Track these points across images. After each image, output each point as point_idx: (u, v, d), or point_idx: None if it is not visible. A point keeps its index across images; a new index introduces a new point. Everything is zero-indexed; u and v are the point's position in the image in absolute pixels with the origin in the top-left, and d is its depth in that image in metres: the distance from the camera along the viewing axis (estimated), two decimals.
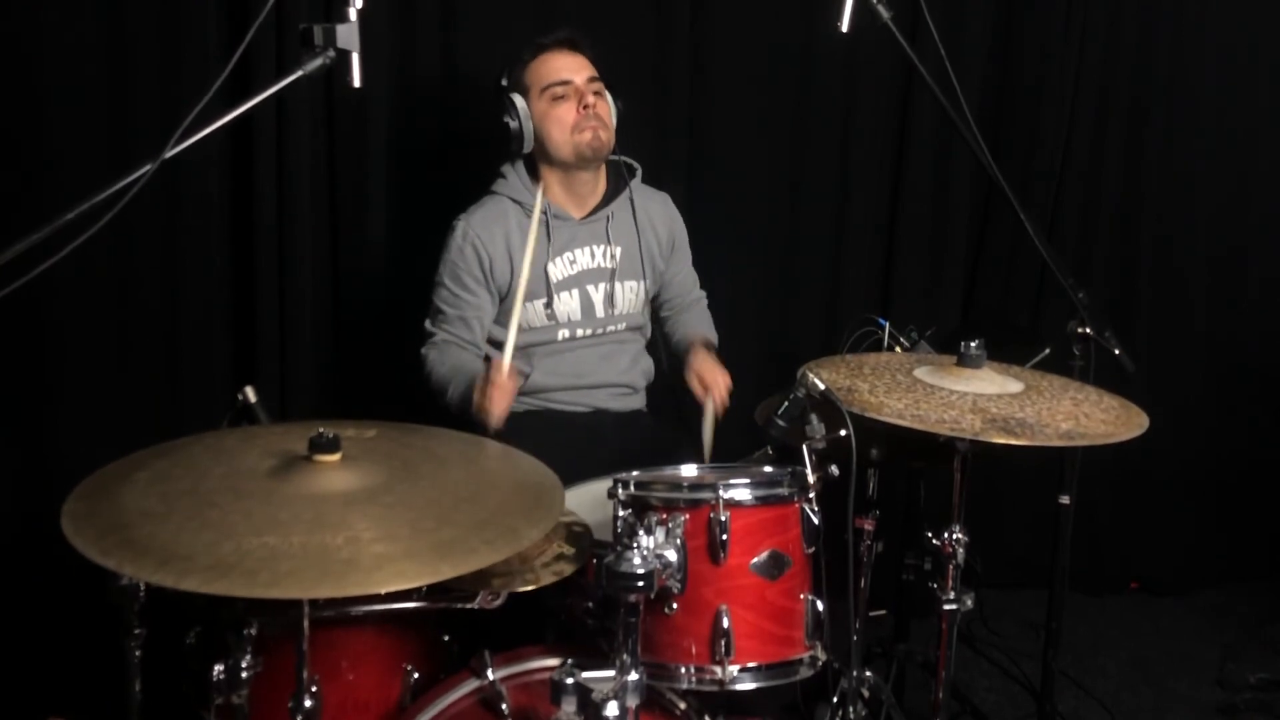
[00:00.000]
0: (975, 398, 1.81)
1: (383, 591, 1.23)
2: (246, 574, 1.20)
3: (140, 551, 1.24)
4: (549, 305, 2.34)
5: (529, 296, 2.33)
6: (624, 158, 2.45)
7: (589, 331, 2.40)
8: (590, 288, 2.39)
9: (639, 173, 2.47)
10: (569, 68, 2.33)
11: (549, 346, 2.37)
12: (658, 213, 2.50)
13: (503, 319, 2.37)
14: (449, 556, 1.29)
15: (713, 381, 2.34)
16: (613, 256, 2.40)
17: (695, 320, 2.58)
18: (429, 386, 2.30)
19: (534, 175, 2.39)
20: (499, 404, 2.06)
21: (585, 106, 2.29)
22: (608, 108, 2.34)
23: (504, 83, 2.36)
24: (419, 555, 1.28)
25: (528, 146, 2.33)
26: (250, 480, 1.41)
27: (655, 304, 2.56)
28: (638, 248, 2.44)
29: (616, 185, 2.44)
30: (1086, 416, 1.80)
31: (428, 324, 2.35)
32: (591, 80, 2.33)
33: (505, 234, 2.32)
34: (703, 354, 2.40)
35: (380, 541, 1.28)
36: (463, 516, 1.39)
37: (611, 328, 2.43)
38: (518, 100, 2.32)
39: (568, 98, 2.30)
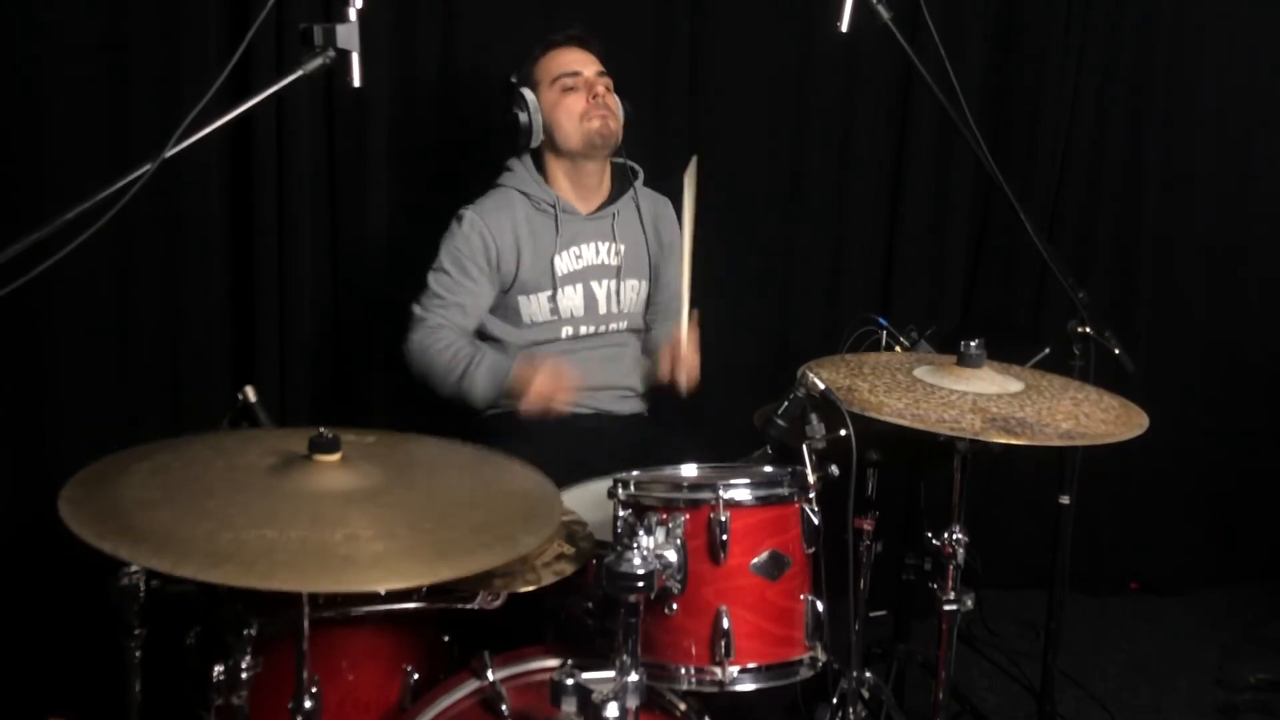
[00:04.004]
0: (975, 397, 1.81)
1: (381, 590, 1.23)
2: (243, 564, 1.19)
3: (137, 537, 1.23)
4: (553, 299, 2.35)
5: (534, 289, 2.34)
6: (627, 161, 2.46)
7: (591, 329, 2.40)
8: (594, 284, 2.40)
9: (641, 175, 2.49)
10: (579, 61, 2.37)
11: (553, 346, 2.37)
12: (660, 215, 2.53)
13: (503, 312, 2.37)
14: (447, 557, 1.29)
15: (678, 357, 2.34)
16: (618, 254, 2.42)
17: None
18: (425, 370, 2.29)
19: (539, 169, 2.40)
20: (557, 397, 2.13)
21: (594, 96, 2.33)
22: (616, 101, 2.37)
23: (513, 79, 2.39)
24: (418, 555, 1.28)
25: (536, 140, 2.36)
26: (250, 475, 1.41)
27: (647, 308, 2.56)
28: (643, 247, 2.45)
29: (620, 186, 2.46)
30: (1086, 416, 1.80)
31: (417, 309, 2.32)
32: (601, 74, 2.37)
33: (513, 225, 2.33)
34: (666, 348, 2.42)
35: (379, 540, 1.28)
36: (462, 520, 1.39)
37: (613, 325, 2.43)
38: (527, 94, 2.35)
39: (577, 89, 2.34)
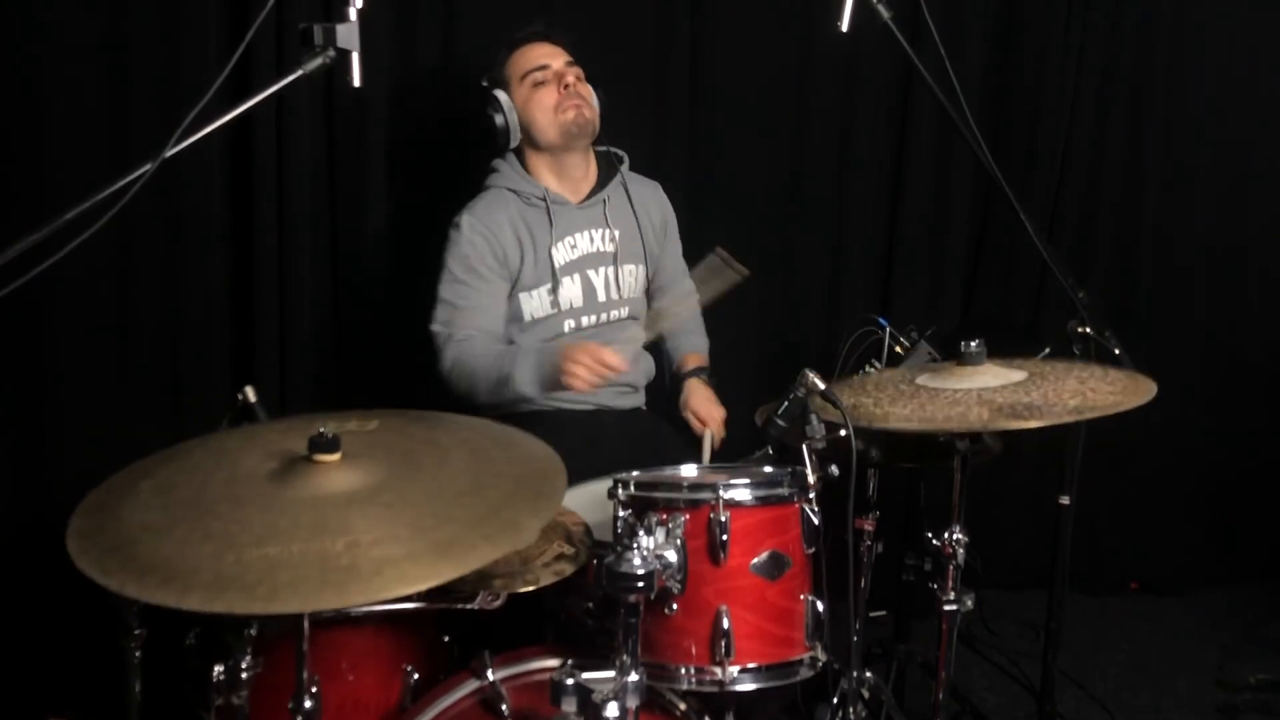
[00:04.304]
0: (980, 391, 1.81)
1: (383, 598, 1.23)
2: (246, 589, 1.20)
3: (143, 570, 1.24)
4: (553, 291, 2.35)
5: (534, 284, 2.34)
6: (612, 148, 2.48)
7: (592, 319, 2.41)
8: (591, 272, 2.40)
9: (626, 160, 2.50)
10: (546, 54, 2.38)
11: (555, 342, 2.37)
12: (651, 198, 2.54)
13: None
14: (449, 555, 1.28)
15: (709, 415, 2.38)
16: (612, 239, 2.42)
17: (686, 329, 2.60)
18: (460, 381, 2.24)
19: (524, 167, 2.41)
20: (596, 368, 2.09)
21: (566, 87, 2.34)
22: (589, 89, 2.38)
23: (485, 83, 2.40)
24: (419, 557, 1.27)
25: (515, 140, 2.37)
26: (251, 486, 1.41)
27: (648, 292, 2.56)
28: (635, 231, 2.47)
29: (607, 172, 2.47)
30: (1093, 391, 1.79)
31: (439, 327, 2.29)
32: (570, 64, 2.38)
33: (510, 221, 2.34)
34: (698, 389, 2.45)
35: (380, 544, 1.28)
36: (464, 511, 1.38)
37: (614, 313, 2.44)
38: (500, 95, 2.36)
39: (548, 82, 2.35)
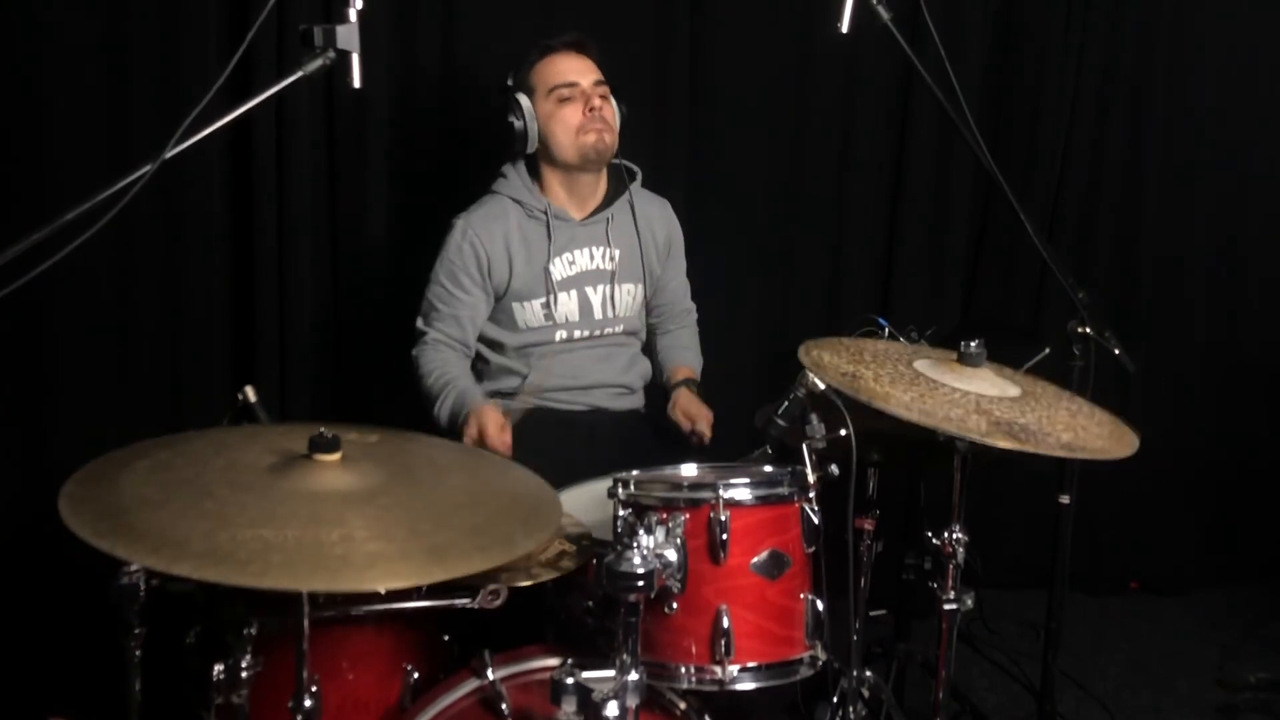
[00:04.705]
0: (978, 398, 1.80)
1: (376, 590, 1.24)
2: (239, 564, 1.20)
3: (135, 536, 1.25)
4: (548, 305, 2.34)
5: (528, 295, 2.33)
6: (624, 161, 2.45)
7: (586, 333, 2.40)
8: (589, 289, 2.39)
9: (639, 177, 2.48)
10: (576, 70, 2.34)
11: (548, 348, 2.37)
12: (657, 217, 2.51)
13: (498, 316, 2.37)
14: (443, 560, 1.29)
15: (698, 414, 2.36)
16: (612, 258, 2.41)
17: (681, 345, 2.59)
18: (418, 390, 2.32)
19: (534, 175, 2.39)
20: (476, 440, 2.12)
21: (591, 109, 2.31)
22: (613, 111, 2.35)
23: (509, 83, 2.37)
24: (413, 556, 1.28)
25: (531, 147, 2.34)
26: (249, 474, 1.42)
27: (646, 309, 2.56)
28: (637, 251, 2.44)
29: (616, 188, 2.44)
30: (1083, 429, 1.79)
31: (419, 322, 2.36)
32: (598, 83, 2.35)
33: (505, 234, 2.32)
34: (685, 394, 2.44)
35: (375, 540, 1.29)
36: (459, 522, 1.39)
37: (609, 330, 2.43)
38: (523, 101, 2.33)
39: (574, 100, 2.32)
